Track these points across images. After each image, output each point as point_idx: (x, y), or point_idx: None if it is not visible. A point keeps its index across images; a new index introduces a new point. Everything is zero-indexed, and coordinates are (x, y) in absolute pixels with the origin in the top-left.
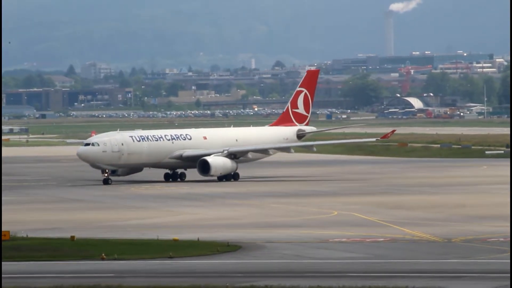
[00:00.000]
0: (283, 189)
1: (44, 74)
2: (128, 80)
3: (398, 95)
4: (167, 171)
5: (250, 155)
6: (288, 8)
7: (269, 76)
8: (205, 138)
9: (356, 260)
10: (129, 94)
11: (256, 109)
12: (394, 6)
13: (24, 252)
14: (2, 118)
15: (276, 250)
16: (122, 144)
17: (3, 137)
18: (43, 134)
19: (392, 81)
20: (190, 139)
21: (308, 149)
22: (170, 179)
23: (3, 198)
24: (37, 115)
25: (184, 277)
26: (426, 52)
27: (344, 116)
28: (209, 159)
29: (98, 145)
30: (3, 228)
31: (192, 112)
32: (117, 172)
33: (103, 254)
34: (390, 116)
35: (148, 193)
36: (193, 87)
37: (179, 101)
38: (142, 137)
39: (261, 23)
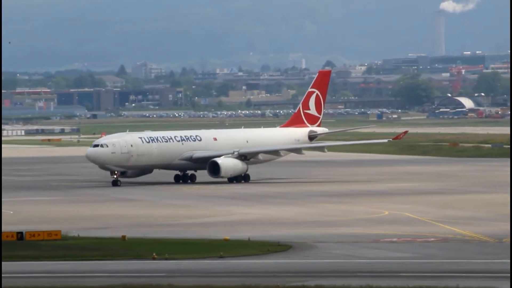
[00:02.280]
0: (333, 189)
1: (95, 74)
2: (179, 80)
3: (449, 95)
4: (177, 172)
5: (260, 156)
6: (339, 7)
7: None
8: (215, 139)
9: (407, 260)
10: (180, 94)
11: None
12: (445, 5)
13: (75, 251)
14: (54, 118)
15: (327, 249)
16: (131, 146)
17: (55, 137)
18: (94, 134)
19: (443, 81)
20: (200, 140)
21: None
22: (180, 181)
23: (55, 197)
24: (88, 115)
25: (234, 277)
26: (477, 51)
27: (394, 116)
28: (219, 160)
29: (107, 146)
30: (55, 228)
31: (243, 112)
32: (127, 173)
33: (154, 254)
34: (441, 116)
35: (199, 193)
36: (243, 87)
37: (230, 101)
38: (152, 138)
39: (311, 23)
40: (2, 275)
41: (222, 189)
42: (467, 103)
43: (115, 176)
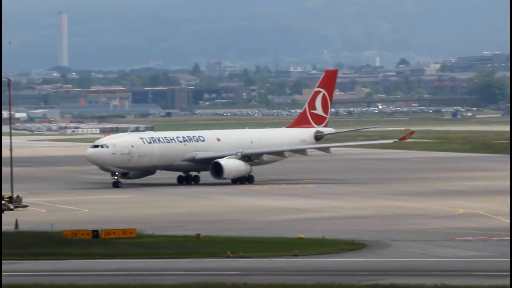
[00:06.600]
0: (407, 187)
1: (169, 73)
2: (253, 78)
3: None
4: (181, 173)
5: (265, 157)
6: (412, 5)
7: (394, 73)
8: (218, 140)
9: (482, 258)
10: (254, 92)
11: (380, 107)
12: None
13: (150, 249)
14: (129, 116)
15: (401, 248)
16: (132, 146)
17: None
18: None
19: None
20: (203, 141)
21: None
22: (184, 182)
23: (130, 195)
24: (162, 114)
25: (309, 275)
26: None
27: (469, 114)
28: (221, 161)
29: (107, 147)
30: (130, 226)
31: None
32: (129, 174)
33: (228, 252)
34: None
35: (272, 191)
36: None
37: (303, 99)
38: (153, 139)
39: (385, 20)
40: (76, 273)
41: (296, 187)
42: None
43: (115, 177)
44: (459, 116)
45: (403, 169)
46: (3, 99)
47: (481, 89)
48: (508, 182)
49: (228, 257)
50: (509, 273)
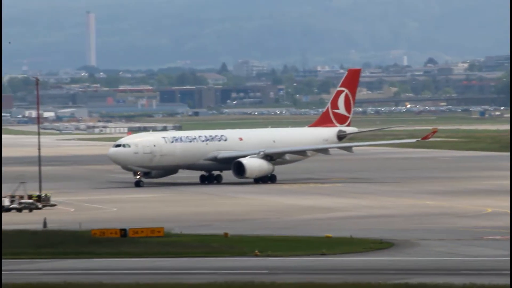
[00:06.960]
0: (435, 186)
1: (197, 72)
2: (280, 77)
3: None
4: (203, 173)
5: (287, 156)
6: (439, 4)
7: (421, 73)
8: (241, 139)
9: (510, 257)
10: (281, 92)
11: (408, 106)
12: None
13: (178, 248)
14: (157, 115)
15: (430, 247)
16: (154, 146)
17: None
18: None
19: None
20: (226, 140)
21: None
22: (206, 181)
23: (157, 194)
24: (190, 113)
25: (337, 274)
26: None
27: (497, 113)
28: (244, 160)
29: (129, 146)
30: (158, 225)
31: None
32: (151, 174)
33: (256, 251)
34: None
35: (299, 190)
36: None
37: (331, 98)
38: (175, 138)
39: (412, 20)
40: (104, 271)
41: (323, 186)
42: None
43: (137, 177)
44: (487, 116)
45: (431, 168)
46: (31, 99)
47: (509, 88)
48: None
49: (256, 256)
50: None
